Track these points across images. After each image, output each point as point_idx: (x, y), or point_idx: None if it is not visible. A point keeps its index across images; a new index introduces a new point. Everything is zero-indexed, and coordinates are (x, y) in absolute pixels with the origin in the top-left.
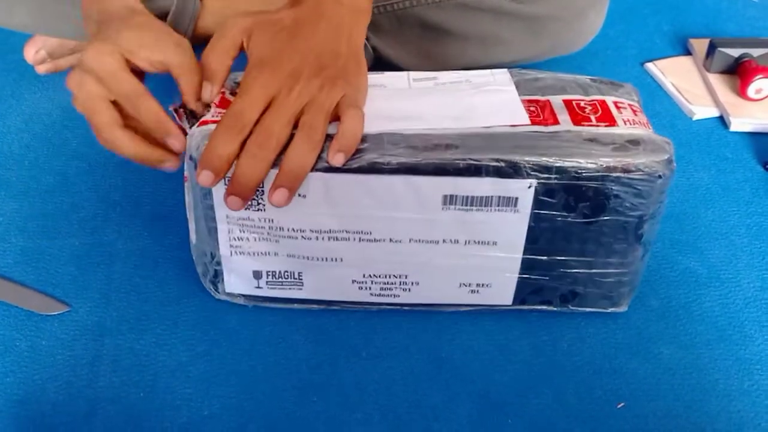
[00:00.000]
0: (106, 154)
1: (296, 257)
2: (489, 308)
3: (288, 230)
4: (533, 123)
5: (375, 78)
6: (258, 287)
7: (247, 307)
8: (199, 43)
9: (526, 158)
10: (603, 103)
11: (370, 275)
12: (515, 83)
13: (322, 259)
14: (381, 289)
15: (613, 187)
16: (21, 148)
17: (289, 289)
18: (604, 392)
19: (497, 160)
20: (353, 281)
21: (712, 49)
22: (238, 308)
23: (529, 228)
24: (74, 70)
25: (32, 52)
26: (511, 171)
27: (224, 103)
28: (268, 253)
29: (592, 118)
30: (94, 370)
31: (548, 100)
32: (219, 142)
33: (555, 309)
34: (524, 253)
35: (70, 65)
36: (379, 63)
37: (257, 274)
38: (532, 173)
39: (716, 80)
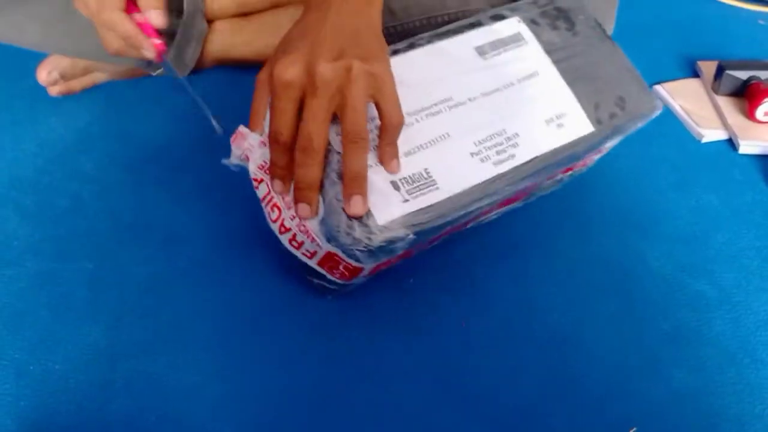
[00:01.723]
0: (120, 178)
1: (413, 152)
2: (579, 146)
3: None
4: None
5: None
6: (405, 201)
7: (257, 329)
8: (207, 66)
9: (503, 10)
10: None
11: (479, 141)
12: None
13: (433, 141)
14: (497, 153)
15: (557, 3)
16: (35, 172)
17: (430, 192)
18: (616, 416)
19: (489, 16)
20: (471, 154)
21: (720, 71)
22: (249, 329)
23: (546, 52)
24: None
25: (45, 74)
26: (498, 16)
27: None
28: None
29: None
30: (107, 394)
31: None
32: (274, 158)
33: (624, 118)
34: (559, 71)
35: (83, 87)
36: None
37: (395, 185)
38: (510, 14)
39: (725, 102)
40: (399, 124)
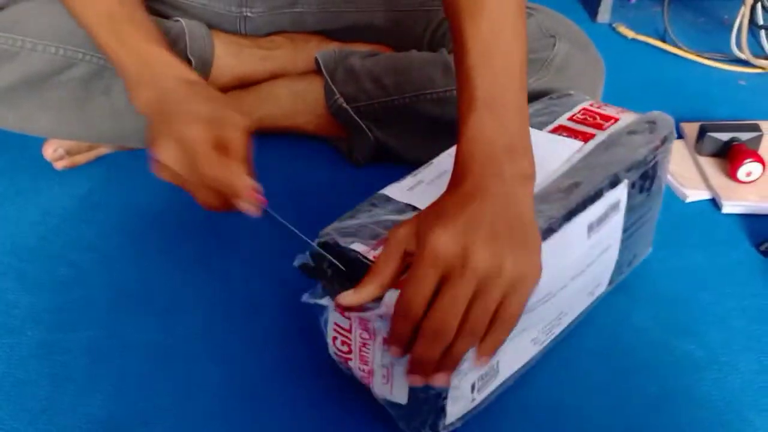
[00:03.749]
0: (121, 246)
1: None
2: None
3: None
4: (585, 141)
5: None
6: (473, 400)
7: (257, 399)
8: None
9: (616, 167)
10: (587, 110)
11: (542, 328)
12: None
13: (516, 336)
14: (545, 335)
15: (659, 158)
16: (38, 241)
17: (491, 382)
18: None
19: (606, 178)
20: (532, 341)
21: (702, 133)
22: (249, 399)
23: (623, 223)
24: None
25: (51, 150)
26: (616, 180)
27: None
28: None
29: (603, 123)
30: None
31: (562, 125)
32: (397, 327)
33: (626, 274)
34: (621, 241)
35: (87, 160)
36: (380, 150)
37: (473, 387)
38: (624, 175)
39: (707, 163)
40: (511, 325)
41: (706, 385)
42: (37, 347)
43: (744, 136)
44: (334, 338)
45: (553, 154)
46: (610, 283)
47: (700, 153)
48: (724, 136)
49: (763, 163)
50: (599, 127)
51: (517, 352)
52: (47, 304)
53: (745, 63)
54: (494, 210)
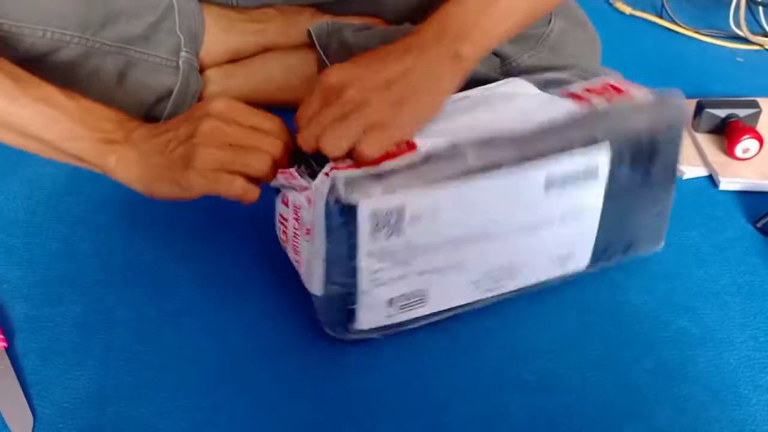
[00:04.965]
0: (110, 220)
1: (425, 273)
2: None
3: (422, 246)
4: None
5: None
6: (389, 315)
7: (246, 374)
8: None
9: (598, 130)
10: (606, 83)
11: (486, 272)
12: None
13: (448, 269)
14: (493, 281)
15: (661, 140)
16: (26, 215)
17: (416, 308)
18: None
19: (582, 137)
20: (472, 282)
21: (699, 109)
22: (238, 374)
23: (605, 191)
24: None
25: None
26: (592, 141)
27: None
28: (402, 277)
29: (613, 95)
30: None
31: (572, 92)
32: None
33: (620, 259)
34: (602, 213)
35: None
36: None
37: (390, 302)
38: (604, 137)
39: (704, 140)
40: (364, 156)
41: (701, 361)
42: (25, 321)
43: (742, 112)
44: (278, 228)
45: (542, 110)
46: (596, 261)
47: (697, 129)
48: (722, 113)
49: (761, 140)
50: (609, 98)
51: (449, 287)
52: (36, 278)
53: (742, 40)
54: (401, 63)
